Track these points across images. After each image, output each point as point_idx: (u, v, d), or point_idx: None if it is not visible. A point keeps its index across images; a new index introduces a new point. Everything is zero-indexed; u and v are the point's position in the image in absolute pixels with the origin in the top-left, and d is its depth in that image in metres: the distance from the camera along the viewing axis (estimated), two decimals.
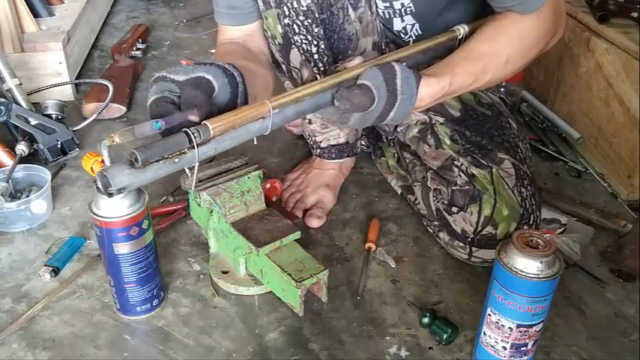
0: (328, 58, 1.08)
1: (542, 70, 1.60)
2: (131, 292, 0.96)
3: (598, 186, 1.35)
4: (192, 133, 0.76)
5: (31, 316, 0.99)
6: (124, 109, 1.57)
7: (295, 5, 1.02)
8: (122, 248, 0.91)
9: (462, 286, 1.07)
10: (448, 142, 1.11)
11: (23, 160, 1.30)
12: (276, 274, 0.96)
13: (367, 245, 1.14)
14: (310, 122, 1.23)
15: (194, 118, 0.78)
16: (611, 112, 1.33)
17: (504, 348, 0.85)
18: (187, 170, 0.82)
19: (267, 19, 1.07)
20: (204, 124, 0.77)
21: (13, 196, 1.22)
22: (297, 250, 0.98)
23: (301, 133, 1.41)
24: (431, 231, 1.17)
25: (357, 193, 1.31)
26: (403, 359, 0.94)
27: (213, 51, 1.91)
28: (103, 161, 0.82)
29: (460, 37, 1.00)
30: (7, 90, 1.37)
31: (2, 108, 1.30)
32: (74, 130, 1.40)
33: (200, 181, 1.01)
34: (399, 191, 1.28)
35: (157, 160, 0.76)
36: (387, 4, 1.10)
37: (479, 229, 1.05)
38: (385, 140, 1.31)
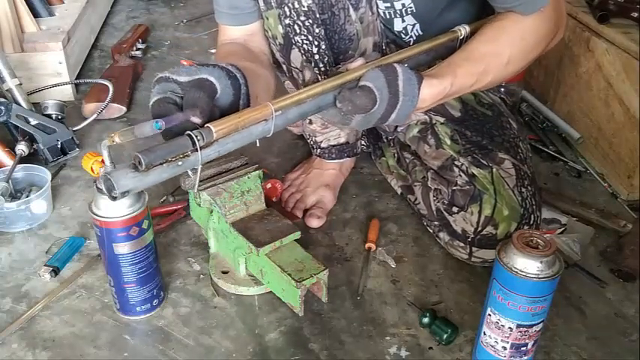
0: (329, 58, 1.08)
1: (542, 70, 1.60)
2: (131, 292, 0.96)
3: (598, 186, 1.35)
4: (196, 136, 0.76)
5: (31, 316, 0.99)
6: (124, 109, 1.57)
7: (296, 6, 1.02)
8: (122, 248, 0.91)
9: (462, 286, 1.07)
10: (448, 142, 1.11)
11: (23, 160, 1.30)
12: (276, 274, 0.96)
13: (367, 245, 1.14)
14: (311, 122, 1.23)
15: (196, 120, 0.78)
16: (611, 112, 1.33)
17: (504, 348, 0.85)
18: (189, 171, 0.82)
19: (268, 19, 1.07)
20: (208, 126, 0.77)
21: (13, 196, 1.22)
22: (297, 250, 0.98)
23: (301, 133, 1.41)
24: (431, 231, 1.17)
25: (357, 193, 1.31)
26: (403, 359, 0.94)
27: (213, 51, 1.91)
28: (103, 161, 0.82)
29: (461, 37, 1.00)
30: (7, 90, 1.37)
31: (2, 108, 1.30)
32: (74, 130, 1.40)
33: (200, 181, 1.01)
34: (399, 191, 1.28)
35: (161, 164, 0.76)
36: (388, 5, 1.10)
37: (479, 229, 1.05)
38: (385, 140, 1.31)
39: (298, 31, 1.05)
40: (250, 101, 0.89)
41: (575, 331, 0.99)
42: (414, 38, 1.15)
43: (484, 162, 1.07)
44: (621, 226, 1.19)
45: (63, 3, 1.81)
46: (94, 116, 1.45)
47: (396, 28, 1.14)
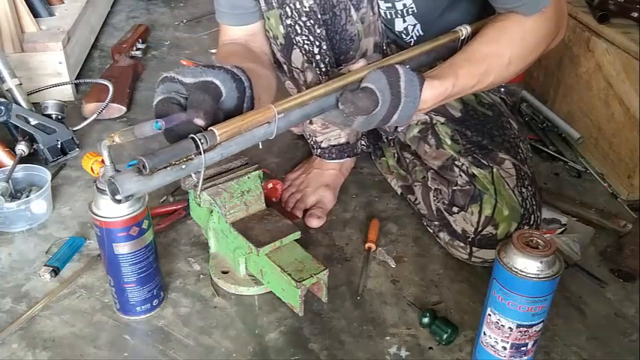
0: (330, 58, 1.08)
1: (542, 70, 1.60)
2: (131, 292, 0.96)
3: (598, 186, 1.35)
4: (199, 139, 0.76)
5: (31, 316, 0.99)
6: (124, 109, 1.57)
7: (298, 6, 1.02)
8: (122, 248, 0.91)
9: (462, 286, 1.07)
10: (449, 142, 1.11)
11: (23, 160, 1.30)
12: (276, 274, 0.96)
13: (367, 245, 1.14)
14: (311, 122, 1.23)
15: (200, 122, 0.78)
16: (611, 112, 1.33)
17: (504, 348, 0.85)
18: (193, 174, 0.82)
19: (269, 19, 1.07)
20: (211, 129, 0.77)
21: (13, 196, 1.22)
22: (297, 250, 0.98)
23: (301, 133, 1.41)
24: (431, 231, 1.17)
25: (357, 193, 1.31)
26: (403, 359, 0.94)
27: (213, 51, 1.91)
28: (103, 161, 0.82)
29: (462, 37, 1.00)
30: (7, 90, 1.37)
31: (2, 108, 1.30)
32: (74, 130, 1.40)
33: None
34: (399, 191, 1.28)
35: (165, 167, 0.76)
36: (389, 5, 1.10)
37: (479, 229, 1.05)
38: (385, 140, 1.31)
39: (299, 31, 1.05)
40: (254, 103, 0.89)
41: (575, 331, 0.99)
42: (415, 38, 1.15)
43: (484, 162, 1.07)
44: (621, 226, 1.19)
45: (63, 3, 1.81)
46: (94, 116, 1.45)
47: (396, 29, 1.14)
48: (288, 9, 1.03)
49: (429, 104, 0.92)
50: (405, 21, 1.12)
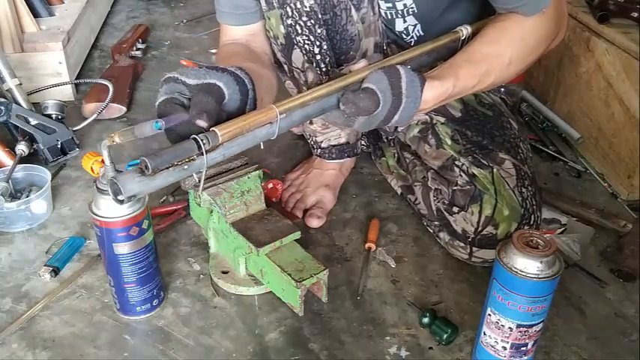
0: (330, 58, 1.08)
1: (542, 70, 1.60)
2: (131, 292, 0.96)
3: (598, 186, 1.35)
4: (201, 140, 0.76)
5: (31, 316, 0.99)
6: (124, 109, 1.57)
7: (298, 6, 1.02)
8: (122, 248, 0.91)
9: (462, 286, 1.07)
10: (449, 142, 1.11)
11: (23, 160, 1.30)
12: (276, 274, 0.96)
13: (367, 245, 1.14)
14: (311, 122, 1.23)
15: (203, 124, 0.78)
16: (611, 112, 1.33)
17: (504, 348, 0.85)
18: (194, 174, 0.82)
19: (269, 19, 1.07)
20: (213, 130, 0.77)
21: (13, 196, 1.22)
22: (297, 250, 0.98)
23: (301, 133, 1.41)
24: (431, 231, 1.17)
25: (357, 193, 1.31)
26: (403, 359, 0.94)
27: (213, 51, 1.91)
28: (103, 161, 0.82)
29: (463, 37, 1.00)
30: (7, 90, 1.37)
31: (2, 108, 1.30)
32: (74, 130, 1.40)
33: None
34: (399, 191, 1.28)
35: (167, 167, 0.76)
36: (390, 5, 1.10)
37: (479, 229, 1.05)
38: (385, 140, 1.31)
39: (300, 31, 1.05)
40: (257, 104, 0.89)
41: (575, 331, 0.99)
42: (415, 39, 1.15)
43: (484, 162, 1.07)
44: (621, 226, 1.19)
45: (63, 3, 1.81)
46: (94, 116, 1.45)
47: (397, 29, 1.14)
48: (288, 9, 1.03)
49: (429, 104, 0.92)
50: (405, 21, 1.12)
